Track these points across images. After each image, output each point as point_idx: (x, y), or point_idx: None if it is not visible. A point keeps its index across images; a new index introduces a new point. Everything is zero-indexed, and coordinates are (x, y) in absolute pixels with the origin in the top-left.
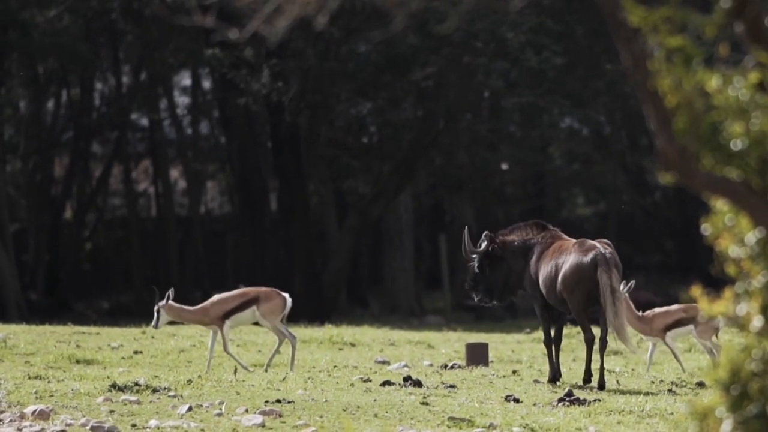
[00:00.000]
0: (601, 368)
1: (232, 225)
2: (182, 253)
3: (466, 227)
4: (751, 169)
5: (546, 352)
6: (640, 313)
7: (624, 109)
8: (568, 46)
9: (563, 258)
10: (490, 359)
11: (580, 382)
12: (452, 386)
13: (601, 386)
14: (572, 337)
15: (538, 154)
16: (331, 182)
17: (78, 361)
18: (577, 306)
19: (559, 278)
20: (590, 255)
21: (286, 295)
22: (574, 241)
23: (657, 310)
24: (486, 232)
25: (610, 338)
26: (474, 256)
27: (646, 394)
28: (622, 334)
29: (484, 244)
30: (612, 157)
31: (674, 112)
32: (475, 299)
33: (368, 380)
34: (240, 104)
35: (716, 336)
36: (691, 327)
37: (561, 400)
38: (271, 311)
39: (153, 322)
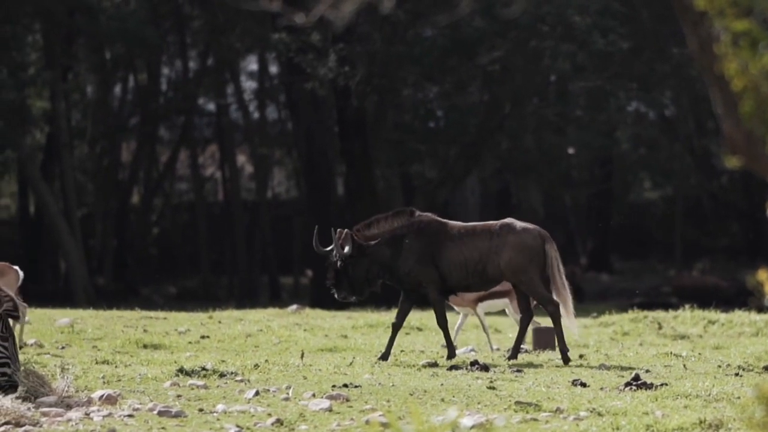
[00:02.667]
0: (518, 341)
1: (299, 209)
2: (249, 238)
3: (317, 226)
4: None
5: (444, 333)
6: None
7: (690, 93)
8: (634, 29)
9: (497, 239)
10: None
11: (648, 367)
12: (519, 371)
13: (513, 356)
14: (638, 321)
15: (605, 138)
16: (398, 166)
17: (145, 346)
18: (533, 282)
19: (504, 260)
20: (535, 232)
21: (17, 267)
22: (496, 222)
23: None
24: (346, 231)
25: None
26: (332, 253)
27: (713, 378)
28: (568, 306)
29: (348, 247)
30: (678, 141)
31: (740, 95)
32: (337, 296)
33: (435, 365)
34: (307, 89)
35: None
36: (506, 300)
37: (628, 384)
38: (7, 285)
39: None
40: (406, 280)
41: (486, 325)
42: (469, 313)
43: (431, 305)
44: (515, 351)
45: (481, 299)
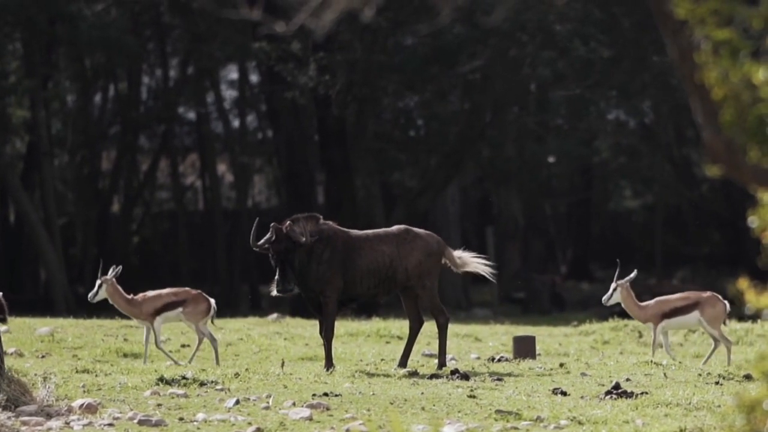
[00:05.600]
0: (408, 348)
1: (280, 218)
2: (229, 247)
3: (257, 219)
4: None
5: (326, 345)
6: (131, 297)
7: (671, 101)
8: (615, 38)
9: (406, 244)
10: (537, 352)
11: (628, 376)
12: (499, 379)
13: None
14: (619, 330)
15: (585, 147)
16: (378, 175)
17: (125, 355)
18: (434, 289)
19: (412, 264)
20: (437, 237)
21: None
22: (394, 228)
23: (149, 293)
24: (288, 222)
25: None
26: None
27: (694, 386)
28: (472, 263)
29: (306, 236)
30: (659, 150)
31: (721, 104)
32: (279, 290)
33: (415, 373)
34: (287, 97)
35: (211, 320)
36: (179, 310)
37: (608, 393)
38: None
39: None
40: (314, 285)
41: (159, 339)
42: (147, 325)
43: (324, 314)
44: (405, 359)
45: (158, 312)
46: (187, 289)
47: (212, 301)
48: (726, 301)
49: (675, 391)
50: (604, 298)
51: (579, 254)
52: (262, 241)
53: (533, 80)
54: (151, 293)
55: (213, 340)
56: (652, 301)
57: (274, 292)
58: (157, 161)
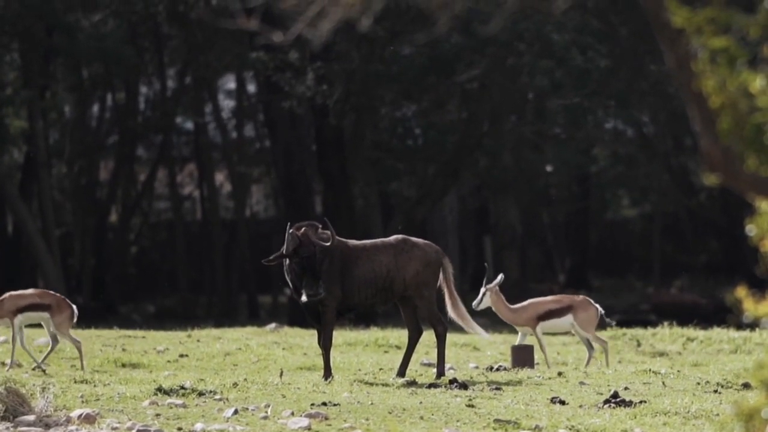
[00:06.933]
0: (406, 357)
1: (278, 228)
2: (227, 257)
3: (288, 224)
4: None
5: (324, 354)
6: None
7: (668, 110)
8: (612, 47)
9: (403, 254)
10: (535, 361)
11: (626, 384)
12: (498, 388)
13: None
14: (617, 339)
15: (583, 156)
16: (376, 185)
17: (124, 365)
18: (432, 298)
19: (410, 274)
20: (435, 247)
21: None
22: (392, 238)
23: (12, 293)
24: (305, 229)
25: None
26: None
27: (692, 395)
28: (467, 318)
29: (329, 240)
30: (656, 159)
31: (718, 113)
32: (308, 295)
33: (414, 383)
34: (285, 107)
35: (69, 328)
36: (45, 314)
37: (607, 401)
38: None
39: None
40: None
41: (16, 334)
42: (8, 325)
43: (323, 323)
44: (403, 368)
45: (20, 310)
46: (52, 292)
47: (74, 307)
48: (599, 306)
49: (673, 400)
50: (474, 303)
51: (577, 263)
52: (289, 249)
53: (531, 89)
54: (14, 293)
55: (77, 343)
56: (524, 303)
57: (304, 298)
58: (154, 171)
